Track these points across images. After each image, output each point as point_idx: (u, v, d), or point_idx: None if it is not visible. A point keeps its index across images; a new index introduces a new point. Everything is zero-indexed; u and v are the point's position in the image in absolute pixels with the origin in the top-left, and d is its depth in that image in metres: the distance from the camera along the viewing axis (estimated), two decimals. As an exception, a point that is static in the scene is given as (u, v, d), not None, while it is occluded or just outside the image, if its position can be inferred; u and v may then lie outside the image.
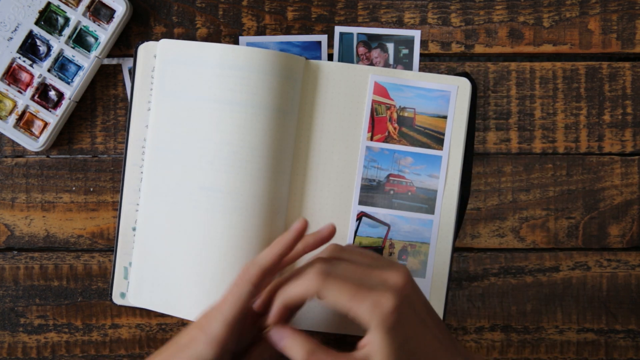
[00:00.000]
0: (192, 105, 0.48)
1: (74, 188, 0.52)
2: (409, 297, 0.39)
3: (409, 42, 0.51)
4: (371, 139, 0.49)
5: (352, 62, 0.51)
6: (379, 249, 0.49)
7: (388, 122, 0.49)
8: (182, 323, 0.52)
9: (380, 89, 0.49)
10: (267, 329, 0.40)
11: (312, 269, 0.39)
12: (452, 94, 0.48)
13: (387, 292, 0.37)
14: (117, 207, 0.51)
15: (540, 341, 0.52)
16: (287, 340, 0.40)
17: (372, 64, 0.51)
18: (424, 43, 0.51)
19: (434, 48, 0.51)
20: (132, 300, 0.49)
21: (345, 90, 0.48)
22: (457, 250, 0.51)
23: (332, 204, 0.49)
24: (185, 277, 0.48)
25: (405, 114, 0.49)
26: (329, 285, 0.38)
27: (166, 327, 0.52)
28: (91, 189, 0.52)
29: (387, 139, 0.49)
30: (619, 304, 0.51)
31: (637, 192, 0.51)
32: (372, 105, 0.49)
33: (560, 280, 0.51)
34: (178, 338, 0.41)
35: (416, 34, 0.51)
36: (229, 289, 0.40)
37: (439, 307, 0.49)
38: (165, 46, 0.48)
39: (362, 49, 0.51)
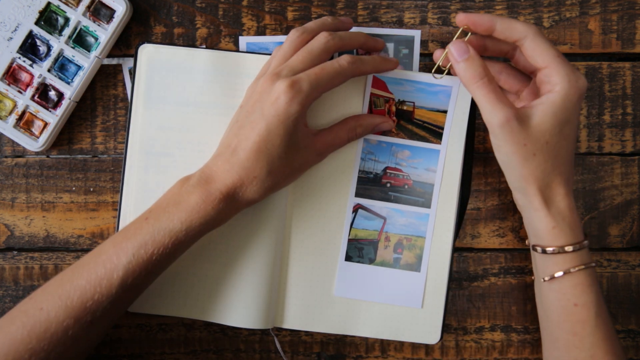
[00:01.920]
0: (184, 110, 0.48)
1: (74, 188, 0.52)
2: (582, 100, 0.43)
3: (409, 42, 0.51)
4: None
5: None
6: (374, 242, 0.49)
7: (386, 115, 0.49)
8: (182, 323, 0.52)
9: (379, 83, 0.48)
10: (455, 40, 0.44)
11: (528, 23, 0.43)
12: (454, 89, 0.48)
13: (582, 74, 0.43)
14: (117, 207, 0.51)
15: (540, 341, 0.51)
16: (465, 61, 0.43)
17: (372, 64, 0.51)
18: (424, 43, 0.51)
19: (434, 48, 0.51)
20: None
21: (344, 85, 0.48)
22: (457, 250, 0.51)
23: (329, 196, 0.49)
24: (182, 278, 0.48)
25: (404, 107, 0.49)
26: (541, 37, 0.42)
27: (166, 327, 0.52)
28: (91, 189, 0.52)
29: (385, 132, 0.49)
30: (619, 304, 0.51)
31: (637, 192, 0.51)
32: (370, 98, 0.49)
33: (560, 280, 0.51)
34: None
35: (416, 34, 0.51)
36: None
37: (438, 306, 0.49)
38: (150, 51, 0.49)
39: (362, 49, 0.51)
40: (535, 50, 0.42)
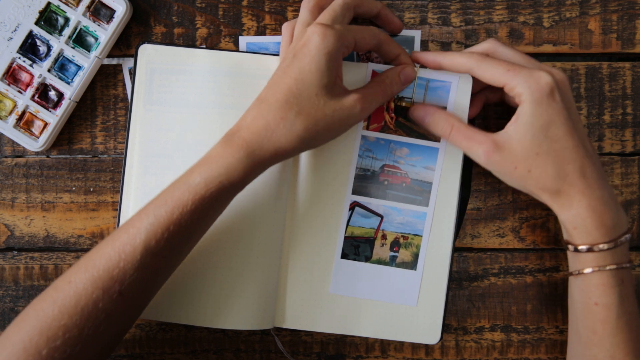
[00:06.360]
0: (184, 110, 0.48)
1: (74, 188, 0.52)
2: (564, 89, 0.42)
3: (409, 42, 0.51)
4: (367, 128, 0.49)
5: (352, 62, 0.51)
6: (370, 240, 0.49)
7: (385, 112, 0.49)
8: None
9: None
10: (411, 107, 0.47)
11: (471, 54, 0.44)
12: (453, 85, 0.47)
13: (543, 71, 0.42)
14: (117, 207, 0.51)
15: (540, 341, 0.52)
16: (431, 117, 0.46)
17: (372, 64, 0.51)
18: (424, 43, 0.51)
19: (434, 48, 0.51)
20: None
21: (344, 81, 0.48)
22: (457, 250, 0.51)
23: (326, 193, 0.49)
24: (180, 282, 0.48)
25: (403, 104, 0.48)
26: (485, 63, 0.43)
27: (166, 327, 0.52)
28: (91, 189, 0.52)
29: (383, 129, 0.49)
30: (619, 304, 0.51)
31: (637, 192, 0.51)
32: None
33: (560, 280, 0.51)
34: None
35: (416, 34, 0.51)
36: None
37: (438, 307, 0.49)
38: (150, 52, 0.49)
39: (362, 49, 0.51)
40: (486, 77, 0.43)
